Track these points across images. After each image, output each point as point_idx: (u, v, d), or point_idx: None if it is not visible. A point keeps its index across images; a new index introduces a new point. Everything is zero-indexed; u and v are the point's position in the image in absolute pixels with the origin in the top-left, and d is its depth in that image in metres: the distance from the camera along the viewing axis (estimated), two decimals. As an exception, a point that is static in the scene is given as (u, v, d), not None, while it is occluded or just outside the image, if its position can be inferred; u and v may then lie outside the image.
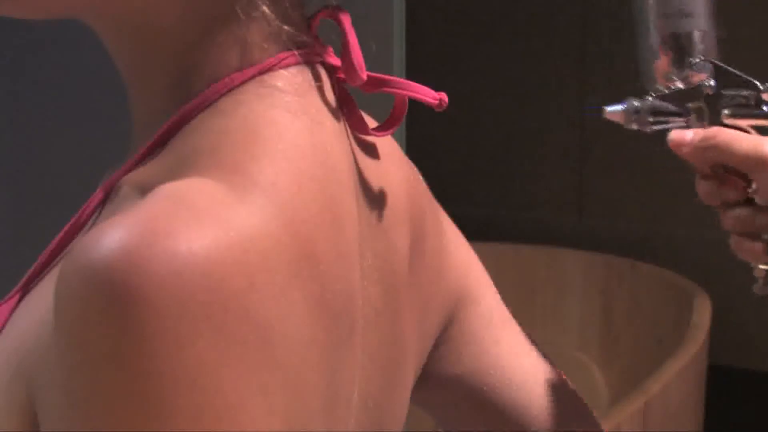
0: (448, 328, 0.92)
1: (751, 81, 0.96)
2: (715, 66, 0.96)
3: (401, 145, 0.88)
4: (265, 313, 0.62)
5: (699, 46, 0.96)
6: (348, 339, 0.71)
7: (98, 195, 0.74)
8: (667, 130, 0.96)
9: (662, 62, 0.96)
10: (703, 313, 2.74)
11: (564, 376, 1.00)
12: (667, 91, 0.96)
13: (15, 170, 2.18)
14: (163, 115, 0.72)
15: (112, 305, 0.58)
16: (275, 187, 0.66)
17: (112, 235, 0.60)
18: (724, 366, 3.10)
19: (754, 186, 0.95)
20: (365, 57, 0.76)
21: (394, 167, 0.83)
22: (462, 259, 0.94)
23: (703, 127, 0.95)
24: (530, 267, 3.27)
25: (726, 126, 0.95)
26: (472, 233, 1.02)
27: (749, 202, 0.95)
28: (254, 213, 0.64)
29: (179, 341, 0.59)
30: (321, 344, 0.66)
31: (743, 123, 0.95)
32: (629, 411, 2.38)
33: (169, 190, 0.64)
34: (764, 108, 0.95)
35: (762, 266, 0.97)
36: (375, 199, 0.79)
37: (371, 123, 0.80)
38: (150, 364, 0.58)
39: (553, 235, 3.49)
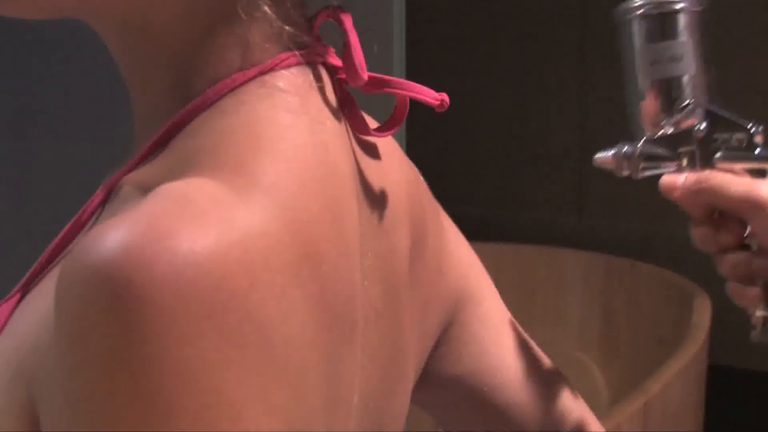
0: (449, 329, 0.92)
1: (742, 124, 0.93)
2: (706, 109, 0.94)
3: (401, 145, 0.88)
4: (266, 313, 0.62)
5: (688, 90, 0.94)
6: (348, 339, 0.71)
7: (99, 195, 0.74)
8: (659, 175, 0.94)
9: (652, 108, 0.94)
10: (703, 313, 2.74)
11: (564, 376, 1.00)
12: (657, 136, 0.94)
13: (15, 170, 2.18)
14: (165, 115, 0.72)
15: (113, 305, 0.58)
16: (276, 187, 0.66)
17: (113, 235, 0.60)
18: (724, 366, 3.10)
19: (749, 229, 0.92)
20: (365, 57, 0.76)
21: (394, 167, 0.83)
22: (462, 259, 0.94)
23: (695, 171, 0.93)
24: (530, 267, 3.27)
25: (719, 170, 0.93)
26: (472, 233, 1.02)
27: (745, 246, 0.93)
28: (255, 213, 0.64)
29: (180, 341, 0.59)
30: (322, 344, 0.66)
31: (736, 166, 0.93)
32: (629, 411, 2.38)
33: (170, 189, 0.64)
34: (757, 150, 0.93)
35: (759, 313, 0.94)
36: (376, 200, 0.79)
37: (372, 123, 0.80)
38: (151, 363, 0.58)
39: (553, 235, 3.49)
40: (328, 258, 0.68)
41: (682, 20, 0.94)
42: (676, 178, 0.93)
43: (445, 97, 0.79)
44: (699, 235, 0.94)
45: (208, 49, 0.72)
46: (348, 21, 0.76)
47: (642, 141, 0.94)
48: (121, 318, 0.58)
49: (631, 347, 3.06)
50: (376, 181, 0.79)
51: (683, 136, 0.94)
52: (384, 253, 0.79)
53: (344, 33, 0.76)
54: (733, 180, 0.91)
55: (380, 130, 0.80)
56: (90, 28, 0.75)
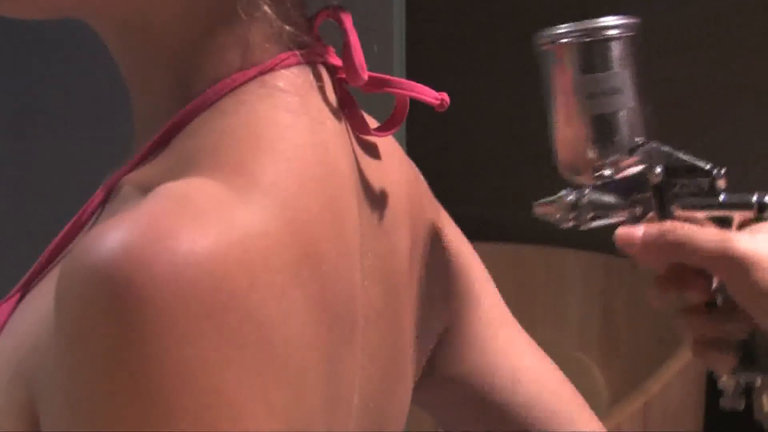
0: (449, 329, 0.92)
1: (701, 166, 0.82)
2: (659, 150, 0.82)
3: (401, 145, 0.88)
4: (266, 313, 0.62)
5: (628, 125, 0.82)
6: (349, 339, 0.71)
7: (99, 195, 0.74)
8: (613, 226, 0.83)
9: (589, 147, 0.82)
10: (703, 313, 2.73)
11: (564, 376, 0.99)
12: (599, 181, 0.83)
13: (15, 170, 2.18)
14: (165, 115, 0.72)
15: (113, 305, 0.58)
16: (276, 187, 0.66)
17: (113, 235, 0.60)
18: (724, 366, 3.09)
19: (715, 284, 0.81)
20: (366, 57, 0.76)
21: (395, 167, 0.83)
22: (462, 259, 0.94)
23: (651, 221, 0.82)
24: (530, 267, 3.27)
25: (679, 219, 0.82)
26: (472, 233, 1.02)
27: (711, 304, 0.82)
28: (255, 213, 0.64)
29: (180, 341, 0.59)
30: (322, 344, 0.66)
31: (699, 215, 0.82)
32: (629, 411, 2.38)
33: (170, 189, 0.64)
34: (722, 197, 0.82)
35: (729, 377, 0.85)
36: (376, 199, 0.79)
37: (372, 123, 0.80)
38: (151, 363, 0.58)
39: (553, 235, 3.48)
40: (328, 258, 0.68)
41: (621, 48, 0.82)
42: (633, 231, 0.81)
43: (445, 96, 0.79)
44: (660, 295, 0.82)
45: (208, 49, 0.72)
46: (348, 21, 0.76)
47: (590, 187, 0.83)
48: (121, 318, 0.58)
49: (631, 347, 3.06)
50: (377, 181, 0.79)
51: (635, 181, 0.83)
52: (384, 252, 0.79)
53: (344, 33, 0.76)
54: (701, 232, 0.79)
55: (380, 129, 0.80)
56: (90, 28, 0.75)
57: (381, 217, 0.79)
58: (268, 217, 0.64)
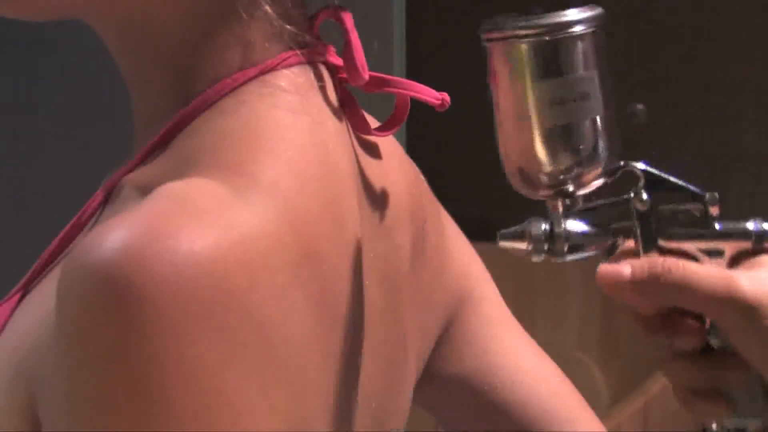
0: (450, 328, 0.92)
1: (691, 190, 0.73)
2: (642, 171, 0.73)
3: (401, 145, 0.88)
4: (266, 313, 0.62)
5: (592, 135, 0.71)
6: (349, 339, 0.71)
7: (99, 195, 0.74)
8: (595, 261, 0.73)
9: (542, 159, 0.72)
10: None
11: (564, 376, 0.99)
12: (561, 198, 0.73)
13: (15, 170, 2.18)
14: (165, 115, 0.72)
15: (114, 305, 0.58)
16: (276, 187, 0.66)
17: (114, 235, 0.60)
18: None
19: (708, 324, 0.73)
20: (366, 57, 0.76)
21: (395, 167, 0.83)
22: (463, 258, 0.94)
23: (628, 251, 0.73)
24: (530, 267, 3.26)
25: (667, 252, 0.72)
26: (472, 233, 1.01)
27: (706, 349, 0.73)
28: (256, 213, 0.64)
29: (181, 341, 0.59)
30: (322, 344, 0.66)
31: (690, 246, 0.72)
32: (629, 411, 2.38)
33: (170, 190, 0.64)
34: (717, 226, 0.73)
35: (718, 425, 0.74)
36: (377, 199, 0.78)
37: (373, 123, 0.80)
38: (151, 363, 0.58)
39: (554, 235, 3.48)
40: (329, 258, 0.68)
41: (585, 47, 0.71)
42: (619, 270, 0.71)
43: (446, 96, 0.79)
44: (649, 340, 0.75)
45: (209, 49, 0.72)
46: (349, 20, 0.76)
47: (564, 215, 0.73)
48: (121, 318, 0.58)
49: (631, 347, 3.06)
50: (377, 181, 0.79)
51: (617, 208, 0.73)
52: (385, 252, 0.79)
53: (345, 32, 0.75)
54: (703, 272, 0.70)
55: (381, 129, 0.80)
56: (90, 28, 0.75)
57: (382, 216, 0.79)
58: (268, 217, 0.64)
